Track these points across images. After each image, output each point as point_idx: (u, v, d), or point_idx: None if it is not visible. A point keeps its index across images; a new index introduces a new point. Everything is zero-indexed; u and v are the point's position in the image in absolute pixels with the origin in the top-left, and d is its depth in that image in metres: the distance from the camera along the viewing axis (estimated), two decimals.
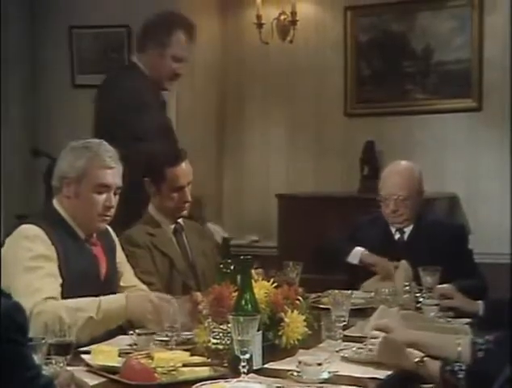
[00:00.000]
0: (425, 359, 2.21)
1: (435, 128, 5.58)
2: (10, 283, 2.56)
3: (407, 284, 3.26)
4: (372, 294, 3.24)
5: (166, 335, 2.56)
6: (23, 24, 5.86)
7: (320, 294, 3.35)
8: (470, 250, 3.76)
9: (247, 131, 6.16)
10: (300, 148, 6.00)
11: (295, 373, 2.23)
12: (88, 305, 2.63)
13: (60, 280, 2.71)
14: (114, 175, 2.86)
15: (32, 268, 2.66)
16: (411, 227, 3.67)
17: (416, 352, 2.27)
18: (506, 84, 5.19)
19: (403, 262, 3.45)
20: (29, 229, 2.76)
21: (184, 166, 3.41)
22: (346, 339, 2.64)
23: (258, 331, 2.26)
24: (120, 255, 3.09)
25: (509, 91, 5.20)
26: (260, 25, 5.71)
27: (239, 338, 2.15)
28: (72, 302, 2.62)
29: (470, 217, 5.37)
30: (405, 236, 3.68)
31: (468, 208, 5.43)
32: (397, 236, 3.69)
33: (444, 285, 3.16)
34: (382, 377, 2.26)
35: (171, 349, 2.50)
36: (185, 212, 3.46)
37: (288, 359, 2.43)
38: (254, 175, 6.15)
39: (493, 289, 3.53)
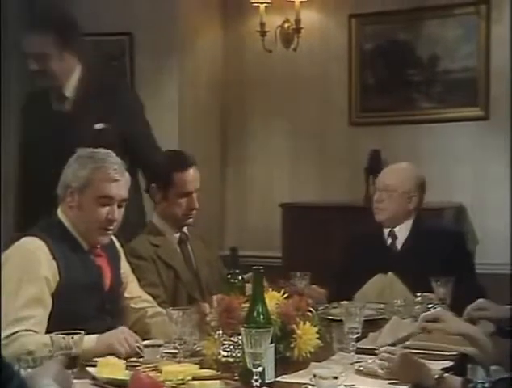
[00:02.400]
0: (445, 375, 2.14)
1: (441, 137, 5.52)
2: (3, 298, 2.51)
3: (419, 294, 3.18)
4: (382, 305, 3.19)
5: (175, 348, 2.48)
6: (24, 31, 5.79)
7: (327, 305, 3.28)
8: (470, 259, 3.68)
9: (250, 141, 6.09)
10: (304, 158, 5.93)
11: (309, 387, 2.16)
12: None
13: (49, 304, 2.63)
14: (118, 187, 2.78)
15: (20, 292, 2.59)
16: (405, 234, 3.60)
17: (435, 368, 2.21)
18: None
19: (390, 275, 3.40)
20: (30, 242, 2.69)
21: (192, 172, 3.36)
22: (358, 351, 2.56)
23: (271, 343, 2.19)
24: (125, 266, 3.02)
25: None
26: (263, 33, 5.65)
27: (252, 351, 2.09)
28: (43, 337, 2.52)
29: (477, 227, 5.30)
30: (398, 243, 3.61)
31: (475, 218, 5.36)
32: (389, 241, 3.62)
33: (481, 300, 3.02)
34: None
35: (179, 362, 2.43)
36: (191, 221, 3.40)
37: (300, 372, 2.37)
38: (258, 185, 6.08)
39: (502, 300, 3.45)
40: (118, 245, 3.02)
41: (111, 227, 2.80)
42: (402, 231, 3.62)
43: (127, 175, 2.84)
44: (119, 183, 2.79)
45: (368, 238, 3.67)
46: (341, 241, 4.06)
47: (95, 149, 2.83)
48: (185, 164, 3.34)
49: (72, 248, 2.75)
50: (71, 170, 2.78)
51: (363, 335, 2.71)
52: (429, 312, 2.51)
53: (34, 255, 2.66)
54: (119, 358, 2.43)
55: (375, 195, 3.67)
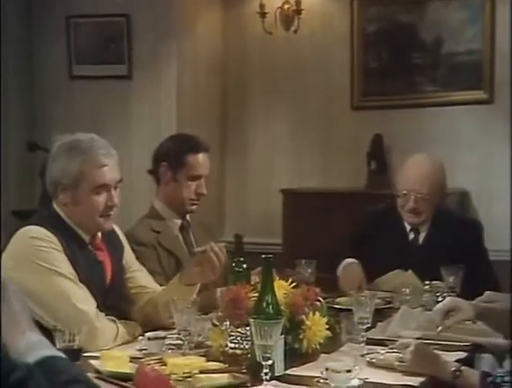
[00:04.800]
0: (463, 368, 2.06)
1: (445, 121, 5.43)
2: (31, 284, 2.46)
3: (427, 282, 3.12)
4: (390, 294, 3.13)
5: (180, 339, 2.40)
6: (20, 14, 5.71)
7: (332, 294, 3.20)
8: (485, 249, 3.60)
9: (251, 126, 5.99)
10: (306, 143, 5.84)
11: (321, 381, 2.09)
12: None
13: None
14: (111, 170, 2.67)
15: (62, 274, 2.54)
16: (427, 228, 3.50)
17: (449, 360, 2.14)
18: None
19: (409, 273, 3.31)
20: (40, 231, 2.59)
21: (205, 156, 3.35)
22: (367, 341, 2.48)
23: (280, 334, 2.11)
24: (128, 256, 2.92)
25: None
26: (263, 15, 5.55)
27: (261, 343, 2.02)
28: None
29: (481, 213, 5.22)
30: (420, 238, 3.51)
31: (480, 204, 5.29)
32: (411, 236, 3.51)
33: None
34: (416, 385, 2.12)
35: (184, 354, 2.35)
36: (195, 208, 3.35)
37: (310, 364, 2.30)
38: (258, 172, 5.98)
39: (505, 287, 3.39)
40: (121, 234, 2.92)
41: (112, 212, 2.70)
42: (424, 225, 3.50)
43: (114, 152, 2.71)
44: (111, 167, 2.67)
45: (388, 229, 3.53)
46: (342, 227, 3.97)
47: (76, 136, 2.69)
48: (199, 147, 3.34)
49: (73, 242, 2.65)
50: (58, 166, 2.64)
51: (372, 325, 2.64)
52: (441, 304, 2.42)
53: (49, 244, 2.58)
54: None
55: (409, 202, 3.43)
